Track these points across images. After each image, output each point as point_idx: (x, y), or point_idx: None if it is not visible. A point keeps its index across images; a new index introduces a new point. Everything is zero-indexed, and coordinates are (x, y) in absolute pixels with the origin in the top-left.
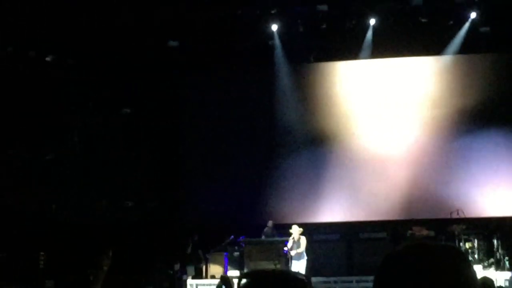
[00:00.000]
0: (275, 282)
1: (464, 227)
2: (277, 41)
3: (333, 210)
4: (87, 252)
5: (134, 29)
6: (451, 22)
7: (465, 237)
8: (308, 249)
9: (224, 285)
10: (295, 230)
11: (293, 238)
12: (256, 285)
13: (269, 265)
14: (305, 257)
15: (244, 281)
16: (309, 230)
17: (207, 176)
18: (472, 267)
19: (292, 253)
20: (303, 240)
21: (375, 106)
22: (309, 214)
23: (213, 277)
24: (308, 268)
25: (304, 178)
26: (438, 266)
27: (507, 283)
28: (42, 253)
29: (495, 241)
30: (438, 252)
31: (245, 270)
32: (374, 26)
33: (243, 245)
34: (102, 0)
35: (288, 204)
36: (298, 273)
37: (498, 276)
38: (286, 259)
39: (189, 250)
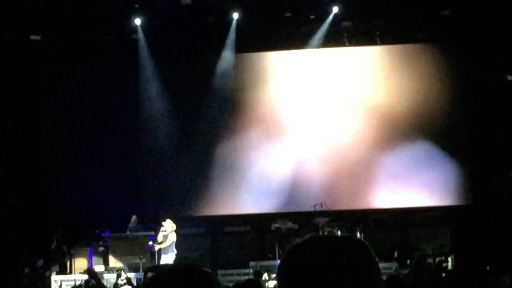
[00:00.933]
0: (181, 275)
1: (327, 219)
2: (141, 35)
3: (199, 204)
4: None
5: None
6: (313, 17)
7: (329, 229)
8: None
9: (93, 279)
10: (168, 225)
11: (164, 231)
12: (162, 278)
13: (134, 260)
14: (174, 251)
15: (149, 275)
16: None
17: (71, 171)
18: (376, 260)
19: (161, 246)
20: (172, 235)
21: (243, 100)
22: (175, 208)
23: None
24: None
25: (170, 172)
26: (341, 258)
27: None
28: None
29: (357, 233)
30: (341, 244)
31: (110, 265)
32: (237, 20)
33: (108, 239)
34: None
35: (154, 198)
36: (204, 265)
37: None
38: (151, 253)
39: (53, 246)
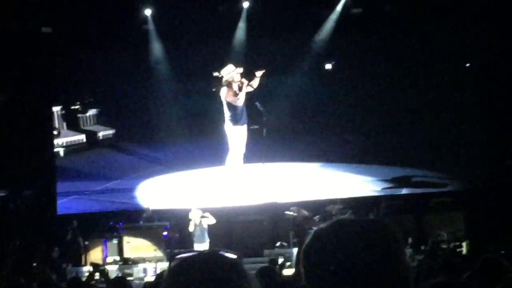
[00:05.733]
0: (206, 262)
1: (341, 207)
2: (151, 26)
3: (214, 195)
4: None
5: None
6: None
7: (342, 216)
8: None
9: (98, 272)
10: (195, 214)
11: (194, 222)
12: (186, 266)
13: (149, 250)
14: (207, 240)
15: (173, 263)
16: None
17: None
18: (401, 243)
19: (195, 235)
20: (205, 222)
21: None
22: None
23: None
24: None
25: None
26: (365, 242)
27: None
28: None
29: None
30: (365, 228)
31: (125, 256)
32: (247, 10)
33: (123, 230)
34: None
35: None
36: (229, 251)
37: None
38: (166, 244)
39: (68, 237)
